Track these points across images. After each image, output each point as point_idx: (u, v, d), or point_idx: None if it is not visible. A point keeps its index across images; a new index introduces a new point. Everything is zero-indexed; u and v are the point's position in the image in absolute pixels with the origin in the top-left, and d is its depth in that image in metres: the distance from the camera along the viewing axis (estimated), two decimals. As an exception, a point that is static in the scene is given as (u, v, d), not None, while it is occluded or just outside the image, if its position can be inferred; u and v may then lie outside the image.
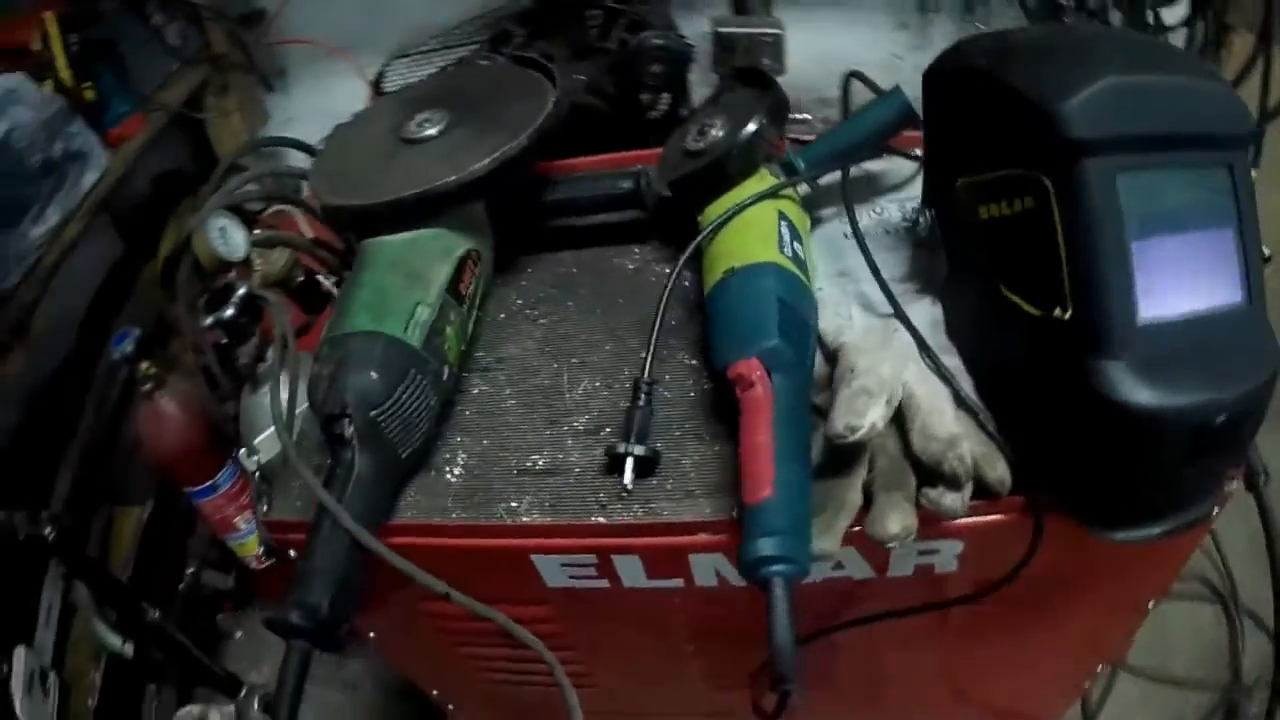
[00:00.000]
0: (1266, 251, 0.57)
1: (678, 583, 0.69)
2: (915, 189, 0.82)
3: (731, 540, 0.60)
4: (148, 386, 1.10)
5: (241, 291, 0.88)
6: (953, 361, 0.64)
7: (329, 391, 0.64)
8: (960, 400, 0.61)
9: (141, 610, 1.27)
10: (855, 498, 0.59)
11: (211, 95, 1.54)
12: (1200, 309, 0.52)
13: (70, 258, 1.24)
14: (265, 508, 0.74)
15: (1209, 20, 1.22)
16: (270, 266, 0.99)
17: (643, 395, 0.66)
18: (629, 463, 0.63)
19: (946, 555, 0.66)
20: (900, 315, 0.66)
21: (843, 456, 0.60)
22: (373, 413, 0.64)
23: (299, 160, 1.03)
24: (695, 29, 1.35)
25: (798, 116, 1.11)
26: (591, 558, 0.67)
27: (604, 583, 0.70)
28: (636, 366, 0.69)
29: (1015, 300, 0.57)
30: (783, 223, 0.70)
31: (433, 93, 0.86)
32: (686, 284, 0.78)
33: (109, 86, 1.36)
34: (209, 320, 0.87)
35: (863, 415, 0.56)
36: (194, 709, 1.31)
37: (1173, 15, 1.26)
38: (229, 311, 0.87)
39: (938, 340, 0.66)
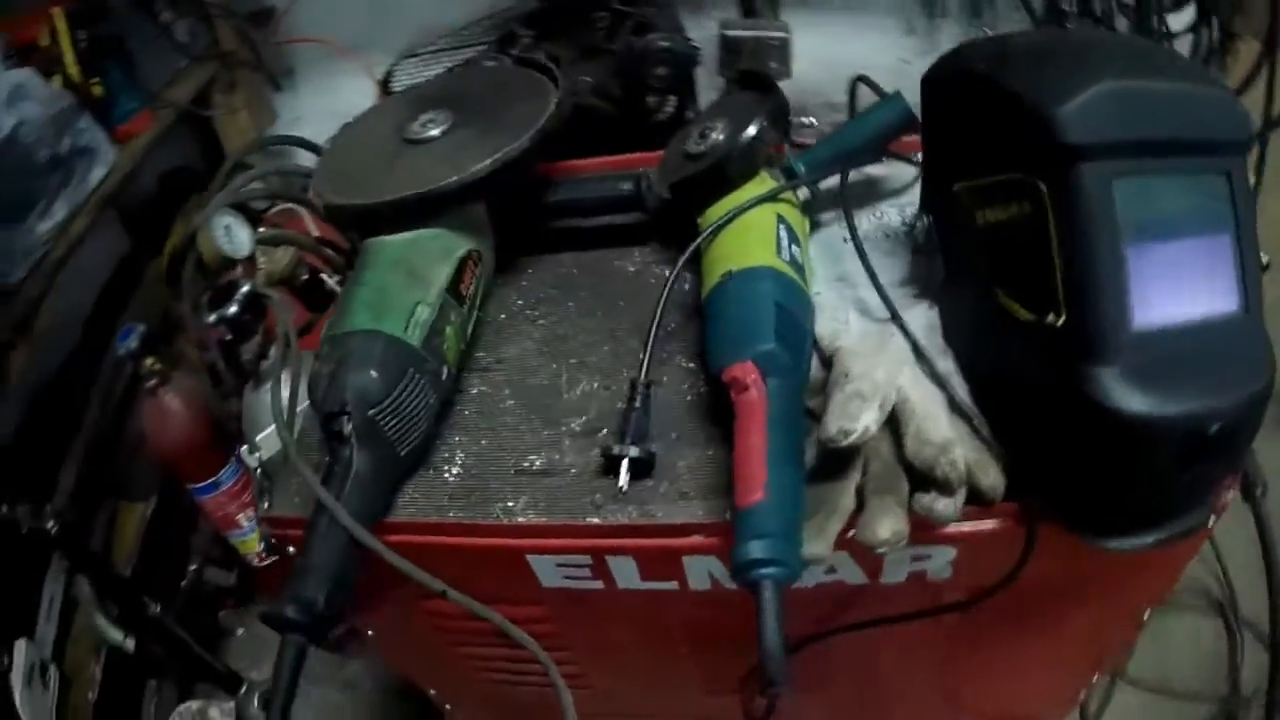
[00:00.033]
0: (1265, 259, 0.57)
1: (672, 585, 0.69)
2: (916, 194, 0.82)
3: (725, 543, 0.60)
4: (152, 382, 1.12)
5: (245, 289, 0.89)
6: (948, 367, 0.64)
7: (329, 389, 0.65)
8: (955, 406, 0.61)
9: (143, 605, 1.28)
10: (848, 502, 0.59)
11: (219, 93, 1.53)
12: (1196, 316, 0.52)
13: (77, 253, 1.24)
14: (266, 504, 0.74)
15: (1213, 27, 1.21)
16: (274, 265, 1.00)
17: (639, 397, 0.67)
18: (624, 464, 0.64)
19: (940, 562, 0.66)
20: (897, 320, 0.67)
21: (836, 460, 0.60)
22: (371, 411, 0.64)
23: (306, 159, 1.04)
24: (703, 32, 1.35)
25: (804, 121, 1.11)
26: (586, 558, 0.67)
27: (598, 584, 0.70)
28: (635, 368, 0.69)
29: (1010, 305, 0.57)
30: (781, 226, 0.70)
31: (437, 93, 0.87)
32: (687, 287, 0.78)
33: (117, 83, 1.36)
34: (212, 317, 0.87)
35: (855, 419, 0.56)
36: (194, 704, 1.32)
37: (1179, 22, 1.26)
38: (232, 309, 0.88)
39: (934, 345, 0.66)
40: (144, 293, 1.47)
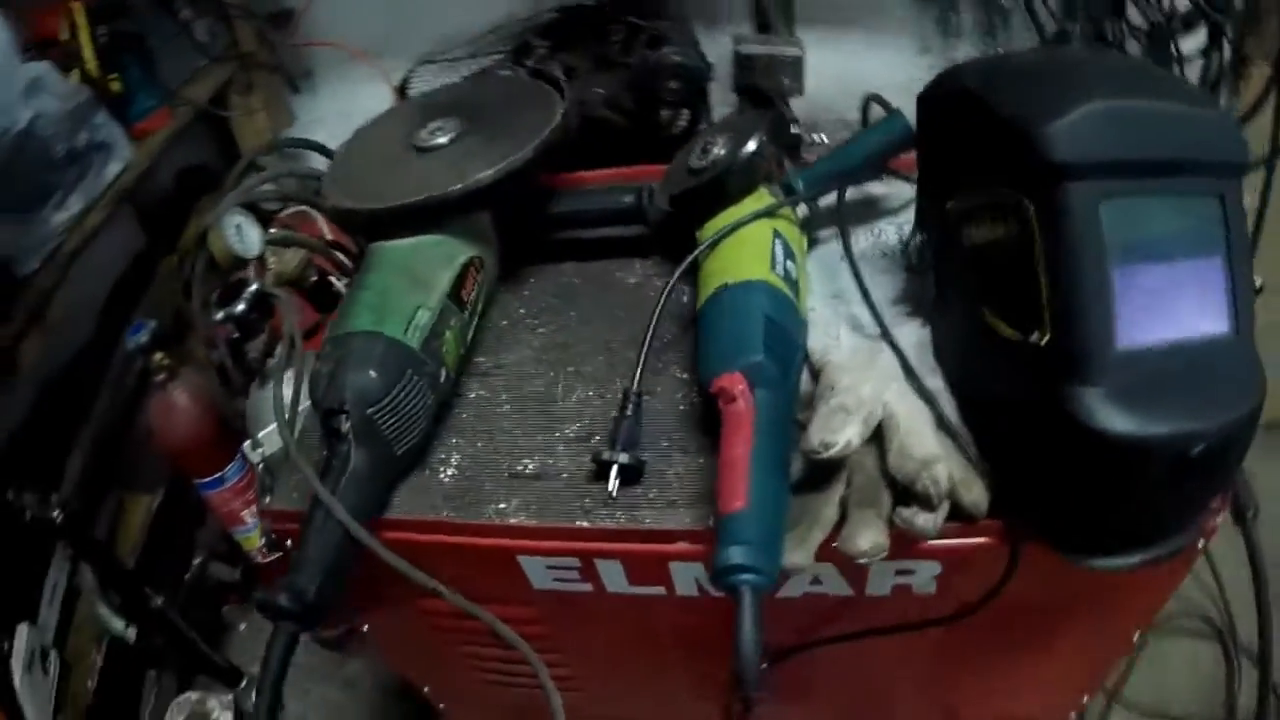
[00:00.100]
0: (1259, 282, 0.56)
1: (659, 590, 0.70)
2: (913, 212, 0.83)
3: (710, 550, 0.61)
4: (160, 377, 1.13)
5: (253, 288, 0.90)
6: (938, 385, 0.65)
7: (328, 387, 0.66)
8: (942, 423, 0.62)
9: (146, 596, 1.29)
10: (831, 513, 0.60)
11: (237, 93, 1.54)
12: (1184, 338, 0.52)
13: (91, 247, 1.25)
14: (266, 499, 0.76)
15: (1223, 50, 1.21)
16: (284, 265, 1.02)
17: (630, 405, 0.68)
18: (613, 470, 0.65)
19: (924, 576, 0.67)
20: (887, 337, 0.67)
21: (820, 472, 0.61)
22: (370, 410, 0.66)
23: (320, 162, 1.05)
24: (718, 48, 1.36)
25: (816, 138, 1.12)
26: (575, 561, 0.68)
27: (588, 587, 0.71)
28: (629, 378, 0.70)
29: (996, 324, 0.57)
30: (777, 242, 0.71)
31: (447, 102, 0.89)
32: (685, 299, 0.79)
33: (135, 80, 1.37)
34: (220, 314, 0.89)
35: (838, 433, 0.57)
36: (193, 695, 1.34)
37: (1191, 45, 1.26)
38: (239, 307, 0.89)
39: (924, 363, 0.67)
40: (157, 289, 1.48)
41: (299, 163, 1.36)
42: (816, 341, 0.70)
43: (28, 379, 1.22)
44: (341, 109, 1.57)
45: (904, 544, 0.61)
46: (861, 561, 0.57)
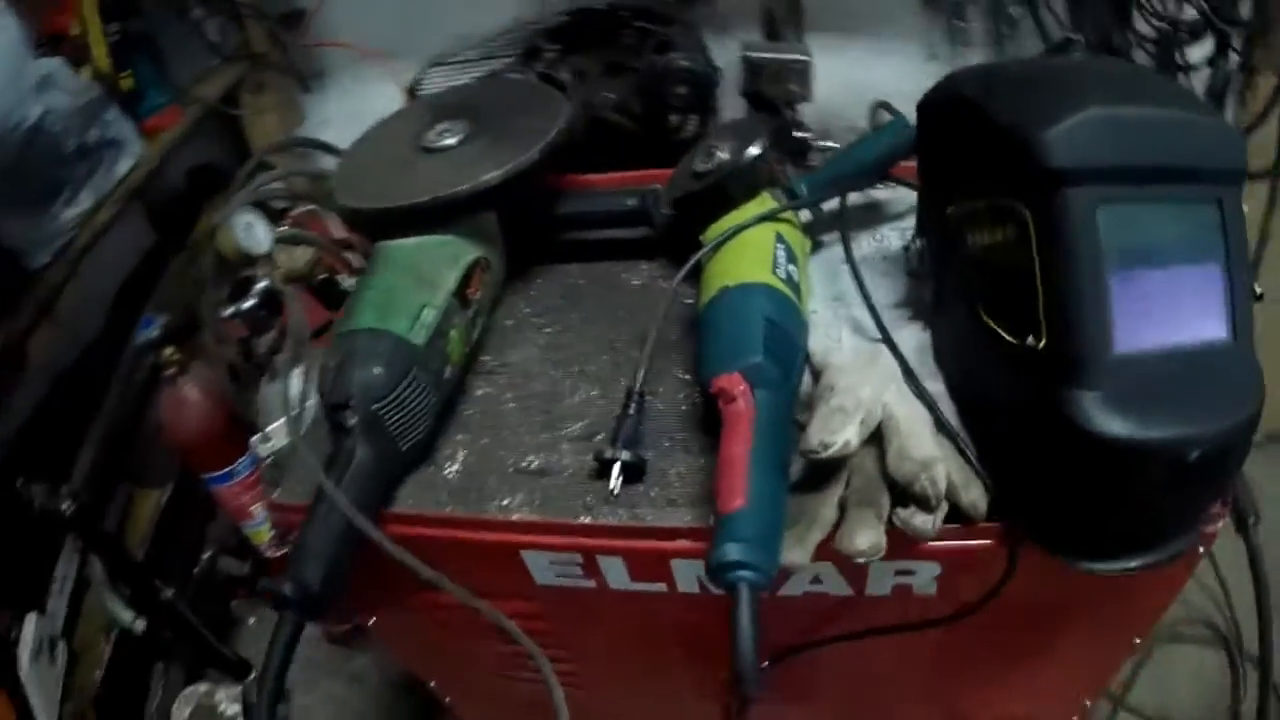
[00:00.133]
0: (1258, 289, 0.57)
1: (660, 587, 0.71)
2: (916, 218, 0.83)
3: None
4: (170, 372, 1.15)
5: (262, 285, 0.91)
6: (937, 387, 0.66)
7: (335, 383, 0.67)
8: (941, 425, 0.63)
9: (155, 589, 1.30)
10: (829, 513, 0.60)
11: (248, 92, 1.55)
12: (1181, 343, 0.52)
13: (101, 242, 1.26)
14: (274, 492, 0.77)
15: (1228, 59, 1.22)
16: (293, 262, 1.03)
17: (633, 404, 0.69)
18: (615, 467, 0.66)
19: (924, 577, 0.67)
20: (887, 339, 0.68)
21: (820, 473, 0.62)
22: (375, 405, 0.66)
23: (329, 162, 1.06)
24: (728, 53, 1.36)
25: (825, 144, 1.12)
26: (577, 556, 0.69)
27: (591, 583, 0.72)
28: (632, 377, 0.71)
29: (994, 327, 0.58)
30: (779, 245, 0.72)
31: (455, 104, 0.90)
32: (690, 301, 0.80)
33: (146, 77, 1.38)
34: (229, 311, 0.90)
35: (836, 433, 0.57)
36: (200, 688, 1.35)
37: (1198, 54, 1.26)
38: (248, 303, 0.90)
39: (925, 366, 0.68)
40: (168, 285, 1.50)
41: (308, 162, 1.37)
42: (818, 343, 0.71)
43: (38, 372, 1.23)
44: (351, 110, 1.58)
45: (903, 545, 0.61)
46: (859, 561, 0.58)
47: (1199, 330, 0.52)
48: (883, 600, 0.70)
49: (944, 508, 0.59)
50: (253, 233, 0.90)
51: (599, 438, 0.72)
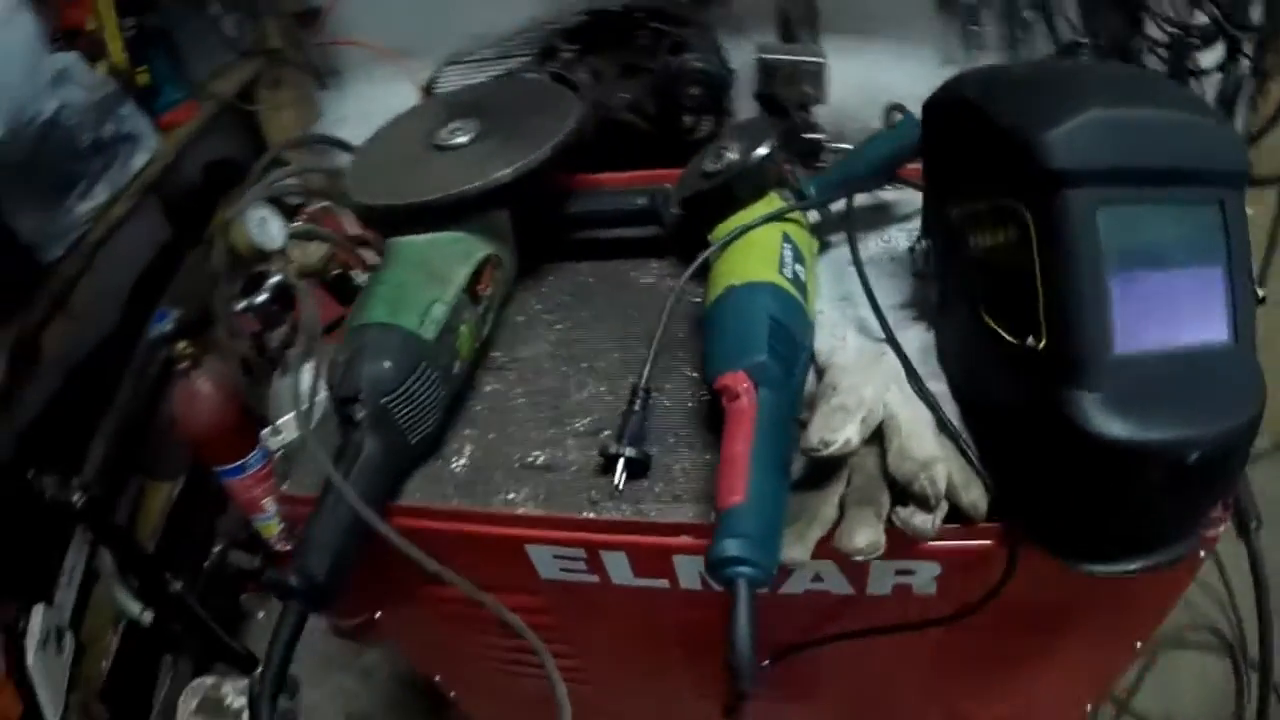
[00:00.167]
0: (1261, 292, 0.56)
1: (663, 583, 0.71)
2: (922, 219, 0.84)
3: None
4: (183, 366, 1.16)
5: (275, 279, 0.92)
6: (940, 388, 0.66)
7: (344, 376, 0.68)
8: (943, 425, 0.63)
9: (164, 581, 1.31)
10: (830, 511, 0.61)
11: (265, 89, 1.56)
12: (1182, 345, 0.52)
13: (116, 236, 1.27)
14: (284, 485, 0.78)
15: (1240, 64, 1.21)
16: (307, 258, 1.04)
17: (639, 401, 0.69)
18: (620, 463, 0.66)
19: (924, 577, 0.67)
20: (891, 339, 0.69)
21: (821, 471, 0.62)
22: (383, 399, 0.67)
23: (345, 159, 1.07)
24: (743, 55, 1.37)
25: (840, 146, 1.12)
26: (581, 551, 0.70)
27: (594, 578, 0.73)
28: (639, 374, 0.72)
29: (995, 328, 0.58)
30: (786, 245, 0.73)
31: (468, 102, 0.91)
32: (697, 300, 0.81)
33: (162, 72, 1.39)
34: (241, 305, 0.91)
35: (837, 431, 0.58)
36: (208, 680, 1.35)
37: (1210, 60, 1.26)
38: (260, 297, 0.91)
39: (929, 366, 0.68)
40: (183, 280, 1.51)
41: (324, 158, 1.38)
42: (823, 343, 0.72)
43: (51, 365, 1.24)
44: (369, 107, 1.58)
45: (903, 544, 0.61)
46: (858, 559, 0.58)
47: (1200, 332, 0.52)
48: (883, 600, 0.70)
49: (944, 507, 0.60)
50: (266, 228, 0.91)
51: (605, 433, 0.73)
